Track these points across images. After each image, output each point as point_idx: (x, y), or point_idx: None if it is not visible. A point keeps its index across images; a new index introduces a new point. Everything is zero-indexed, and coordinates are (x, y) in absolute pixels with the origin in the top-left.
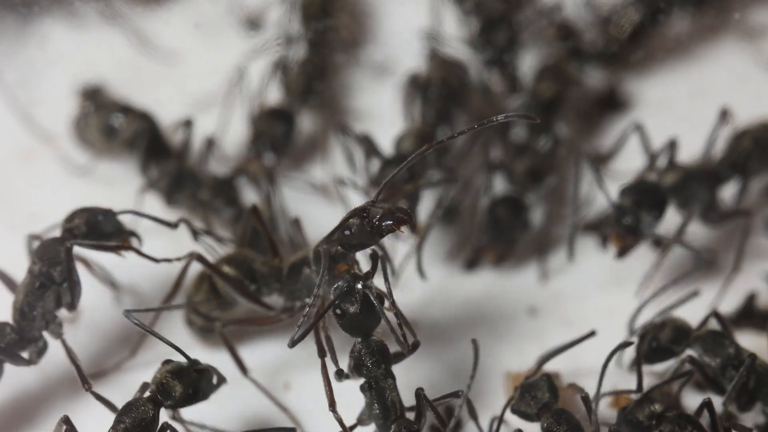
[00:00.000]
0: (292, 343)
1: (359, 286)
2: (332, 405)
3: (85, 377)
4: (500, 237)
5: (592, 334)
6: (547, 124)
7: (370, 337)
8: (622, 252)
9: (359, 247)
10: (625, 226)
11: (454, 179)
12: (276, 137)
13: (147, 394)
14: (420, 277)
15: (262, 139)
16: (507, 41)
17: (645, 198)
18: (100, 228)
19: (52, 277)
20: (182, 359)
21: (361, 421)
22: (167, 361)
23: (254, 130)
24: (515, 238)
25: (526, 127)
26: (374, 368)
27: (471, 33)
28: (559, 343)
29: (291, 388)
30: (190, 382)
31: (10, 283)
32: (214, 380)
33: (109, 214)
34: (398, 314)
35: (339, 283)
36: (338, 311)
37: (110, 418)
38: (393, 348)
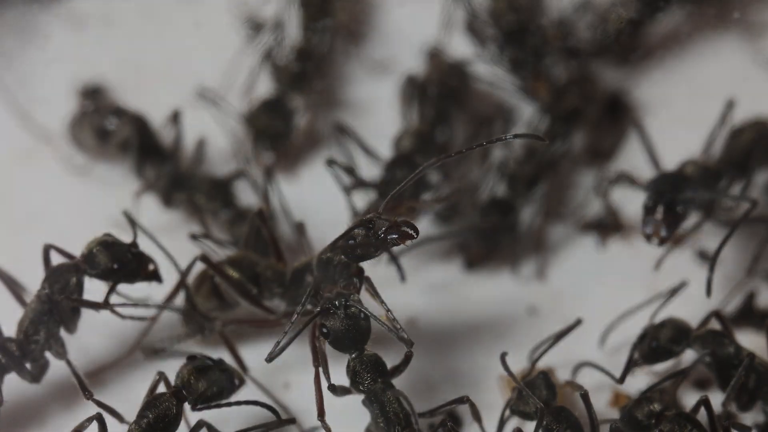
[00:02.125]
0: (270, 359)
1: (342, 303)
2: (321, 414)
3: (86, 386)
4: (485, 238)
5: (578, 323)
6: (562, 135)
7: (363, 352)
8: (662, 241)
9: (362, 258)
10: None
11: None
12: (275, 130)
13: (171, 389)
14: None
15: (263, 135)
16: (533, 47)
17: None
18: (122, 269)
19: (59, 305)
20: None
21: None
22: (192, 358)
23: (252, 126)
24: (500, 240)
25: (540, 132)
26: (371, 383)
27: (493, 51)
28: (559, 343)
29: (291, 387)
30: (216, 381)
31: (13, 285)
32: (236, 382)
33: (135, 250)
34: (391, 323)
35: (322, 303)
36: (324, 330)
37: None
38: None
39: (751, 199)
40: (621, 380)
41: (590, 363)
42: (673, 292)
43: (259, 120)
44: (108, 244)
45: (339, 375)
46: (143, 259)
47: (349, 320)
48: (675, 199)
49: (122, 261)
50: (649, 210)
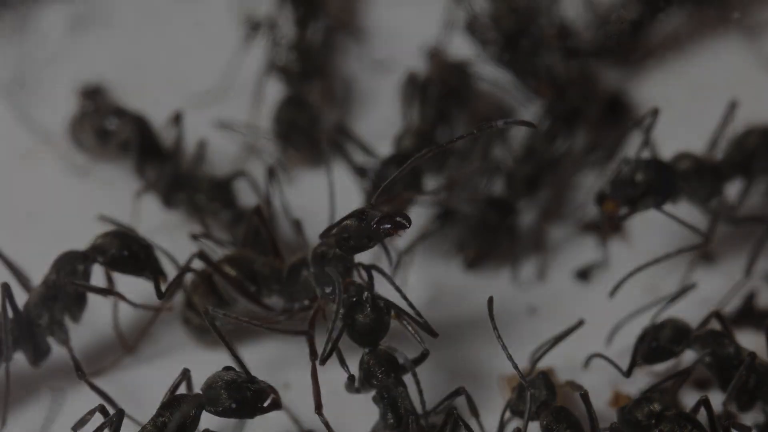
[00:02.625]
0: (323, 361)
1: (368, 296)
2: (319, 407)
3: (81, 367)
4: (484, 238)
5: (580, 324)
6: (565, 132)
7: (378, 347)
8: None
9: (356, 250)
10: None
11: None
12: (302, 124)
13: (193, 393)
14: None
15: (292, 131)
16: (532, 48)
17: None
18: (132, 258)
19: (65, 291)
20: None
21: None
22: (227, 368)
23: (279, 124)
24: (498, 241)
25: (541, 131)
26: (384, 378)
27: (494, 52)
28: (558, 342)
29: (291, 387)
30: (238, 397)
31: (21, 277)
32: (267, 402)
33: (148, 249)
34: (408, 319)
35: (347, 295)
36: (348, 322)
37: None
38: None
39: (706, 236)
40: (628, 374)
41: (600, 355)
42: (682, 292)
43: (285, 117)
44: (118, 233)
45: (340, 374)
46: (151, 251)
47: (372, 314)
48: (645, 195)
49: (131, 249)
50: (620, 183)
